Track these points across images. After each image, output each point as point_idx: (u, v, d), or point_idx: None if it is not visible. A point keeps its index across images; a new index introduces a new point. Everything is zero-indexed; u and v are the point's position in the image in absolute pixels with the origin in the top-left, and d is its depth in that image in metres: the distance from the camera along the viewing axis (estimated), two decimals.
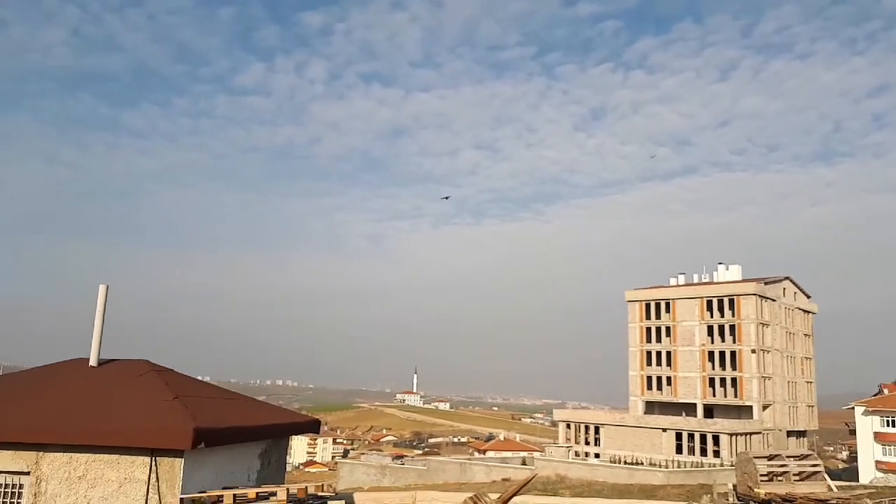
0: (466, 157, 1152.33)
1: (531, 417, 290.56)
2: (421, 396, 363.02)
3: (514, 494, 11.86)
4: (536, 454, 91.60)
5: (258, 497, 8.55)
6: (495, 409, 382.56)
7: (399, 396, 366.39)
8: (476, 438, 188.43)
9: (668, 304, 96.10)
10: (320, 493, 9.48)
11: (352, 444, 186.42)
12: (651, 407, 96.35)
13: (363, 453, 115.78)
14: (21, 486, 8.79)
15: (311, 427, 12.63)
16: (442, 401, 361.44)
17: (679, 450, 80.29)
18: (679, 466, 70.92)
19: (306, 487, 9.00)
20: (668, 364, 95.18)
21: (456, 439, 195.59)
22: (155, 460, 8.56)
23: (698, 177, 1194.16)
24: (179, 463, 8.60)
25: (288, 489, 8.38)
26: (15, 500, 8.78)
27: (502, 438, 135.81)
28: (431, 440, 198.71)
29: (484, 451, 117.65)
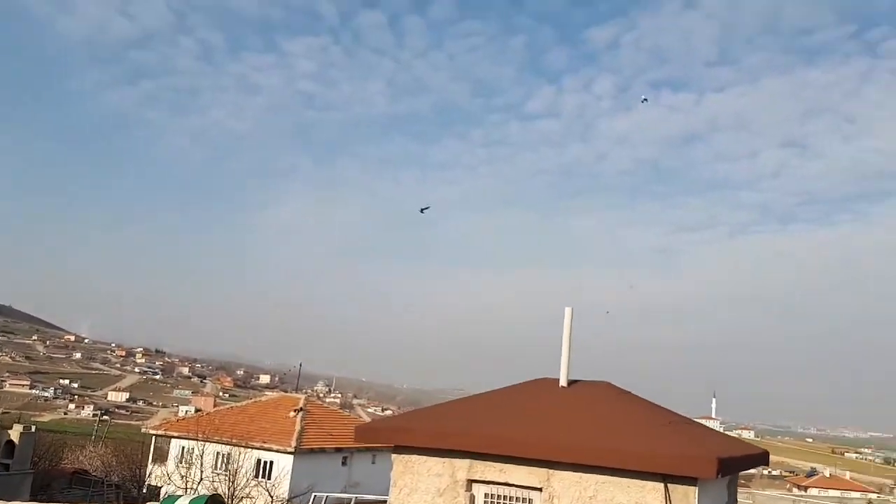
0: (769, 158, 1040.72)
1: (857, 452, 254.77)
2: (720, 423, 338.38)
3: None
4: (872, 496, 79.84)
5: None
6: (809, 440, 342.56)
7: (697, 422, 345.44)
8: (791, 472, 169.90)
9: None
10: None
11: None
12: None
13: None
14: (531, 501, 9.16)
15: (763, 460, 11.70)
16: (745, 428, 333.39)
17: None
18: None
19: None
20: None
21: (767, 471, 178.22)
22: (667, 487, 8.34)
23: None
24: (693, 491, 8.22)
25: None
26: None
27: (828, 475, 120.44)
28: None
29: (805, 488, 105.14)
